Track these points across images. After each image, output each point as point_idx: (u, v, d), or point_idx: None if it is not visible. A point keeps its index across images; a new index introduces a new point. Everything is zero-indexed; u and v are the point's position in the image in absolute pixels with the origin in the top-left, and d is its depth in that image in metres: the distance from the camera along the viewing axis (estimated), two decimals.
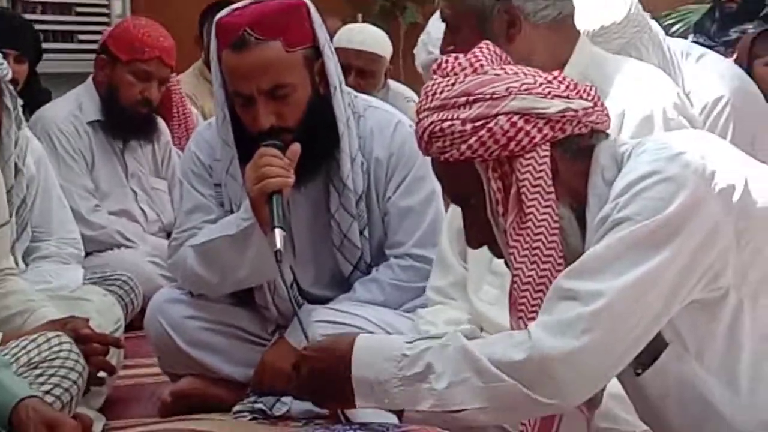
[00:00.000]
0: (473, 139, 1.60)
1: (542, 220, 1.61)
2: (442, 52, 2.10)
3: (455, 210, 2.19)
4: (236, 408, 2.56)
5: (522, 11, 2.12)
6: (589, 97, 1.65)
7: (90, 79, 3.93)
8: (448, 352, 1.59)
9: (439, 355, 1.59)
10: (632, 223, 1.53)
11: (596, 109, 1.65)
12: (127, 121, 3.84)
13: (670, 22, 6.77)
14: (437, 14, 4.10)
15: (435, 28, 3.99)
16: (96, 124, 3.85)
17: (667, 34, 3.15)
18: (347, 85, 2.65)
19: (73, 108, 3.85)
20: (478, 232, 1.69)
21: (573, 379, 1.52)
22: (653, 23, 2.99)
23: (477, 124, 1.60)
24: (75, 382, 2.09)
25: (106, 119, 3.84)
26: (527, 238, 1.61)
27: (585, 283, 1.53)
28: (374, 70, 4.39)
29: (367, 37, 4.42)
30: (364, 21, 6.06)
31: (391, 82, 4.71)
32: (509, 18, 2.12)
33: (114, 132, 3.86)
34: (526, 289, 1.62)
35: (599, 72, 2.15)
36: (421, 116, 1.66)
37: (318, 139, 2.47)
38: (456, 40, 2.14)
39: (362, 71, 4.32)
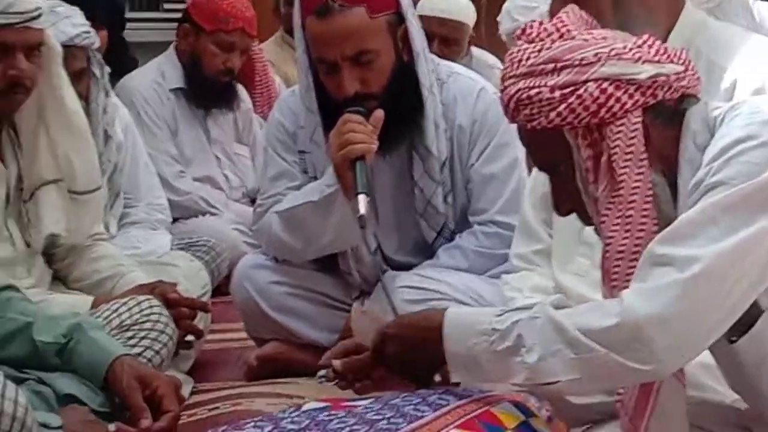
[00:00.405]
0: (562, 106, 1.57)
1: (635, 187, 1.58)
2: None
3: (537, 176, 2.17)
4: (321, 372, 2.57)
5: None
6: (681, 61, 1.61)
7: (172, 47, 3.97)
8: (538, 324, 1.57)
9: (528, 327, 1.57)
10: (727, 188, 1.49)
11: (688, 73, 1.62)
12: (209, 89, 3.88)
13: None
14: None
15: None
16: (179, 92, 3.90)
17: None
18: (430, 52, 2.63)
19: (156, 76, 3.90)
20: (567, 200, 1.67)
21: (667, 345, 1.49)
22: None
23: (566, 91, 1.57)
24: (165, 345, 2.14)
25: (188, 87, 3.88)
26: (620, 207, 1.58)
27: (679, 248, 1.50)
28: (457, 38, 4.36)
29: (451, 5, 4.38)
30: None
31: (474, 50, 4.67)
32: None
33: (197, 100, 3.90)
34: (620, 258, 1.59)
35: (706, 40, 2.09)
36: (506, 83, 1.63)
37: (402, 105, 2.47)
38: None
39: (445, 39, 4.29)
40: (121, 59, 3.85)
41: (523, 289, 2.15)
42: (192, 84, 3.88)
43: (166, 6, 4.92)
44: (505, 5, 3.88)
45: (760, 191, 1.48)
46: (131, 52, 4.20)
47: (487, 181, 2.56)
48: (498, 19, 4.14)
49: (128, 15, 4.33)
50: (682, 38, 2.07)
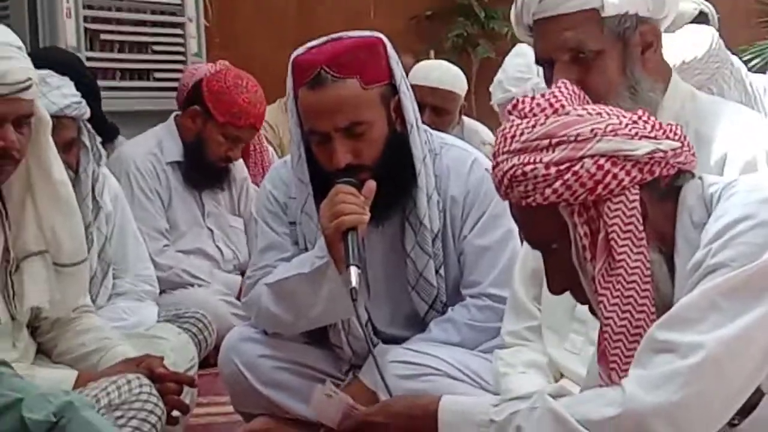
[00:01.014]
0: (558, 182, 1.55)
1: (635, 267, 1.55)
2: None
3: (527, 252, 2.15)
4: None
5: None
6: (677, 137, 1.60)
7: (172, 119, 3.96)
8: (536, 414, 1.54)
9: (527, 418, 1.55)
10: (728, 270, 1.47)
11: (684, 149, 1.60)
12: (205, 171, 3.90)
13: (747, 57, 6.67)
14: (514, 51, 4.09)
15: (511, 65, 3.97)
16: (175, 165, 3.89)
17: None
18: (422, 122, 2.63)
19: (153, 147, 3.90)
20: (561, 278, 1.64)
21: None
22: (735, 59, 2.94)
23: (562, 167, 1.55)
24: (154, 426, 2.11)
25: (186, 166, 3.88)
26: (617, 286, 1.55)
27: (681, 334, 1.47)
28: (449, 108, 4.38)
29: (443, 74, 4.41)
30: (436, 57, 6.07)
31: (466, 119, 4.69)
32: (645, 39, 2.06)
33: (192, 180, 3.90)
34: (619, 340, 1.56)
35: (694, 112, 2.09)
36: (499, 159, 1.61)
37: (394, 177, 2.45)
38: (586, 73, 2.04)
39: (437, 109, 4.31)
40: (99, 129, 3.84)
41: (516, 364, 2.12)
42: (190, 164, 3.88)
43: (157, 75, 4.93)
44: (498, 76, 3.90)
45: (761, 274, 1.46)
46: (122, 121, 4.19)
47: (480, 253, 2.53)
48: (490, 89, 4.16)
49: (119, 84, 4.34)
50: (672, 109, 2.07)
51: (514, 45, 4.15)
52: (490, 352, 2.31)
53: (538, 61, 2.14)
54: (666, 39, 2.17)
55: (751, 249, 1.47)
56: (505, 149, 1.61)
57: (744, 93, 2.89)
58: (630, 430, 1.47)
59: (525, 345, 2.19)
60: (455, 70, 4.56)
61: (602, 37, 2.03)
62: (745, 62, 6.34)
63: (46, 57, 3.57)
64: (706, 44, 2.79)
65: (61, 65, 3.68)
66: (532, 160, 1.57)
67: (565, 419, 1.51)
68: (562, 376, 2.12)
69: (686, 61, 2.74)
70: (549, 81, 2.07)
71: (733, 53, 3.07)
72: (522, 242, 2.28)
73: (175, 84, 4.59)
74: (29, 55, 3.23)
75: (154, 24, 4.95)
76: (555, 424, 1.51)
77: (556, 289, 1.67)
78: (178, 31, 5.03)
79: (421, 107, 4.10)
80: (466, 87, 4.55)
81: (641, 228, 1.56)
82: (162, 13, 4.99)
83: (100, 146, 3.12)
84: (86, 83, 3.91)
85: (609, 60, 2.03)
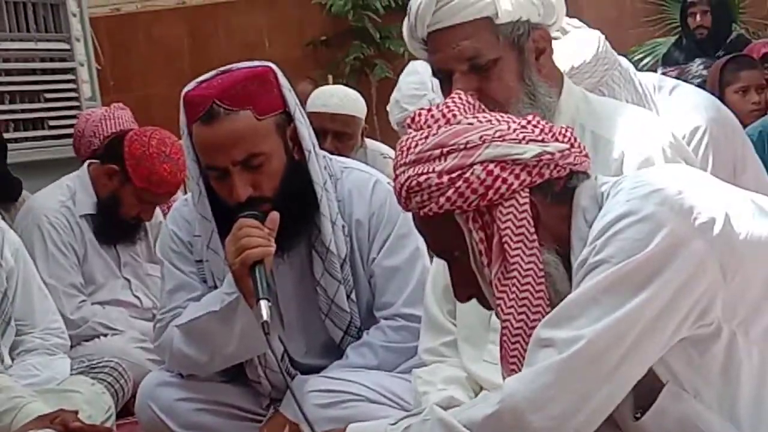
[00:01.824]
0: (451, 190, 1.58)
1: (528, 269, 1.58)
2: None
3: (438, 268, 2.16)
4: None
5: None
6: (565, 139, 1.63)
7: (85, 169, 3.88)
8: (428, 426, 1.59)
9: (419, 430, 1.59)
10: (608, 266, 1.51)
11: (573, 150, 1.63)
12: (117, 227, 3.84)
13: (639, 56, 6.82)
14: (407, 69, 4.12)
15: (405, 84, 4.00)
16: (89, 218, 3.82)
17: (636, 68, 3.15)
18: (324, 148, 2.63)
19: (66, 199, 3.81)
20: (466, 286, 1.66)
21: (547, 427, 1.48)
22: (623, 59, 2.98)
23: (453, 175, 1.58)
24: None
25: (99, 221, 3.81)
26: (513, 288, 1.58)
27: (561, 330, 1.51)
28: (351, 132, 4.38)
29: (342, 99, 4.41)
30: (334, 81, 6.09)
31: (368, 141, 4.70)
32: (537, 45, 2.09)
33: (105, 235, 3.83)
34: (517, 341, 1.60)
35: (588, 115, 2.12)
36: (398, 172, 1.65)
37: (296, 205, 2.43)
38: (485, 82, 2.06)
39: (339, 134, 4.31)
40: (6, 181, 3.76)
41: (435, 382, 2.11)
42: (103, 219, 3.81)
43: (51, 123, 4.86)
44: (393, 95, 3.92)
45: (642, 268, 1.49)
46: (18, 172, 4.11)
47: (390, 274, 2.52)
48: (387, 108, 4.18)
49: (13, 135, 4.26)
50: (567, 113, 2.10)
51: (408, 64, 4.19)
52: (409, 372, 2.29)
53: (435, 73, 2.15)
54: (554, 45, 2.20)
55: (631, 245, 1.50)
56: (402, 161, 1.64)
57: (634, 92, 2.94)
58: (509, 425, 1.50)
59: (443, 361, 2.19)
60: (353, 93, 4.57)
61: (498, 45, 2.05)
62: (638, 61, 6.50)
63: None
64: (593, 48, 2.83)
65: None
66: (425, 171, 1.60)
67: (451, 425, 1.55)
68: (482, 389, 2.12)
69: (575, 66, 2.77)
70: (447, 92, 2.07)
71: (623, 54, 3.12)
72: (432, 259, 2.29)
73: (70, 131, 4.53)
74: None
75: (44, 72, 4.88)
76: (443, 430, 1.55)
77: (461, 297, 1.70)
78: (69, 76, 4.97)
79: (323, 133, 4.13)
80: (365, 110, 4.56)
81: (532, 230, 1.59)
82: (51, 59, 4.92)
83: None
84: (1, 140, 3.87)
85: (506, 67, 2.05)
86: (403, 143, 1.65)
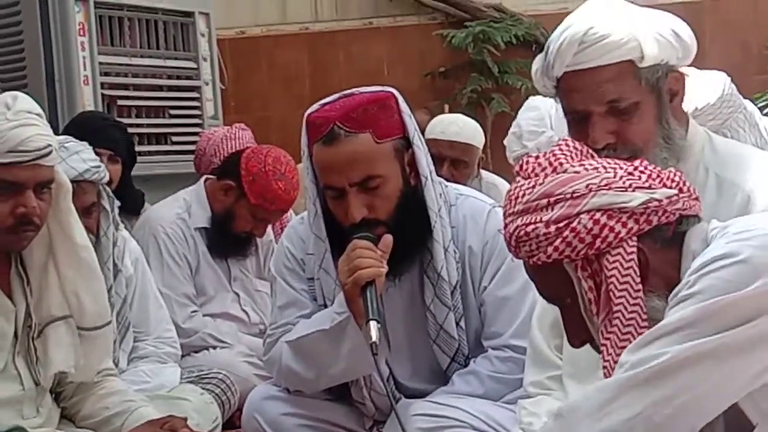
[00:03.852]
0: (558, 240, 1.59)
1: (630, 318, 1.57)
2: (594, 144, 1.98)
3: (546, 303, 2.15)
4: None
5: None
6: (674, 184, 1.62)
7: (201, 184, 3.97)
8: None
9: None
10: (696, 301, 1.48)
11: (682, 195, 1.62)
12: (230, 242, 3.89)
13: (764, 103, 6.69)
14: (526, 105, 4.11)
15: (525, 120, 4.00)
16: (202, 231, 3.89)
17: (762, 114, 3.10)
18: (441, 175, 2.63)
19: (182, 212, 3.89)
20: (578, 332, 1.67)
21: None
22: (748, 103, 2.94)
23: (560, 225, 1.60)
24: None
25: (212, 235, 3.88)
26: (614, 338, 1.58)
27: (636, 354, 1.50)
28: (468, 160, 4.40)
29: (461, 127, 4.44)
30: (450, 112, 6.10)
31: (484, 173, 4.71)
32: (673, 87, 2.07)
33: (218, 248, 3.90)
34: None
35: (713, 157, 2.09)
36: (507, 221, 1.67)
37: (410, 230, 2.45)
38: (624, 125, 2.03)
39: (456, 161, 4.33)
40: (127, 193, 3.86)
41: (540, 413, 2.10)
42: (216, 233, 3.88)
43: (174, 139, 4.98)
44: (512, 130, 3.92)
45: (728, 309, 1.46)
46: (140, 185, 4.23)
47: (501, 304, 2.52)
48: (505, 143, 4.18)
49: (137, 148, 4.36)
50: (694, 156, 2.07)
51: (527, 99, 4.19)
52: (514, 403, 2.29)
53: (566, 113, 2.11)
54: None
55: (723, 284, 1.47)
56: (511, 211, 1.66)
57: (759, 137, 2.90)
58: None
59: (548, 394, 2.18)
60: (473, 123, 4.59)
61: (640, 88, 2.02)
62: (763, 107, 6.37)
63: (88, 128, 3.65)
64: (718, 90, 2.80)
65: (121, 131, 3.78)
66: (533, 220, 1.62)
67: None
68: None
69: (699, 107, 2.75)
70: (577, 133, 2.04)
71: (746, 98, 3.08)
72: None
73: (191, 147, 4.63)
74: (80, 123, 3.31)
75: (171, 88, 4.99)
76: None
77: (574, 343, 1.70)
78: (194, 94, 5.08)
79: (440, 160, 4.15)
80: (483, 139, 4.57)
81: (638, 279, 1.58)
82: (178, 77, 5.03)
83: (117, 211, 3.14)
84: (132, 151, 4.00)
85: (646, 111, 2.03)
86: (512, 192, 1.67)
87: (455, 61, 7.34)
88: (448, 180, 2.86)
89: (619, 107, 2.02)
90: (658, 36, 2.03)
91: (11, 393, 2.33)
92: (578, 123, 2.07)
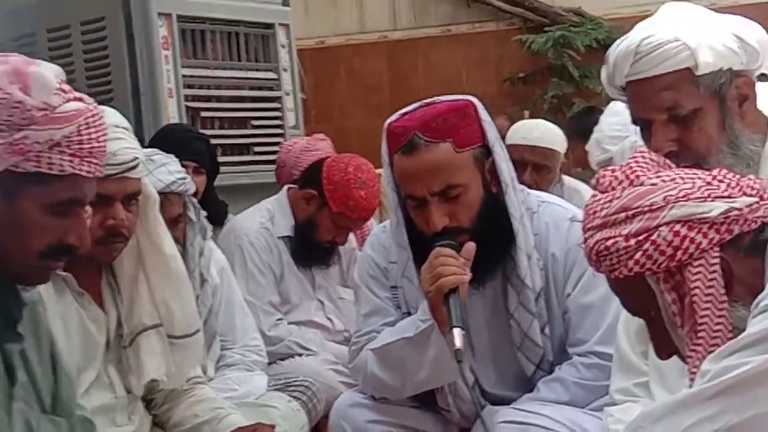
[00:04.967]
0: (639, 253, 1.58)
1: (717, 329, 1.55)
2: (657, 151, 1.99)
3: None
4: None
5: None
6: (754, 192, 1.60)
7: (284, 193, 4.02)
8: None
9: None
10: None
11: (763, 203, 1.60)
12: (313, 250, 3.93)
13: None
14: (608, 110, 4.08)
15: (607, 124, 3.96)
16: (286, 239, 3.93)
17: None
18: (523, 180, 2.63)
19: (265, 221, 3.93)
20: (665, 344, 1.65)
21: None
22: None
23: (640, 238, 1.58)
24: None
25: (296, 243, 3.92)
26: (702, 350, 1.56)
27: (716, 363, 1.47)
28: (550, 165, 4.38)
29: (543, 132, 4.42)
30: (530, 118, 6.08)
31: (566, 178, 4.68)
32: (741, 92, 2.05)
33: (301, 257, 3.94)
34: None
35: None
36: (586, 235, 1.67)
37: (493, 237, 2.46)
38: (685, 132, 2.03)
39: (538, 166, 4.32)
40: (211, 203, 3.92)
41: (626, 421, 2.08)
42: (299, 242, 3.92)
43: (256, 149, 5.03)
44: (594, 136, 3.89)
45: None
46: (222, 195, 4.29)
47: (585, 311, 2.51)
48: (587, 148, 4.16)
49: (220, 159, 4.42)
50: None
51: (609, 102, 4.16)
52: (600, 410, 2.29)
53: (634, 121, 2.13)
54: (757, 88, 2.16)
55: None
56: (590, 225, 1.66)
57: None
58: None
59: (635, 401, 2.17)
60: (554, 128, 4.57)
61: (699, 95, 2.02)
62: None
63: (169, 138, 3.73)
64: None
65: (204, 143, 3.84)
66: (612, 235, 1.61)
67: None
68: None
69: None
70: (647, 140, 2.07)
71: None
72: None
73: (273, 157, 4.68)
74: (166, 135, 3.37)
75: (252, 99, 5.04)
76: None
77: (662, 355, 1.69)
78: (275, 105, 5.12)
79: (522, 165, 4.14)
80: (565, 144, 4.55)
81: (723, 290, 1.56)
82: (260, 88, 5.08)
83: (204, 220, 3.19)
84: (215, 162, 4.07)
85: (707, 117, 2.03)
86: (589, 207, 1.67)
87: (535, 67, 7.32)
88: (530, 186, 2.86)
89: (678, 115, 2.03)
90: (715, 43, 2.02)
91: (104, 401, 2.38)
92: (644, 129, 2.09)
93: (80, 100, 1.74)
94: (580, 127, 5.33)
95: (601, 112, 5.59)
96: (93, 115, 1.74)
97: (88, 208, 1.81)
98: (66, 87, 1.73)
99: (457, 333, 2.28)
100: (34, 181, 1.70)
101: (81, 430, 1.93)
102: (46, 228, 1.72)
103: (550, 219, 2.56)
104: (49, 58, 4.67)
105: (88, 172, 1.73)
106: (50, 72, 1.72)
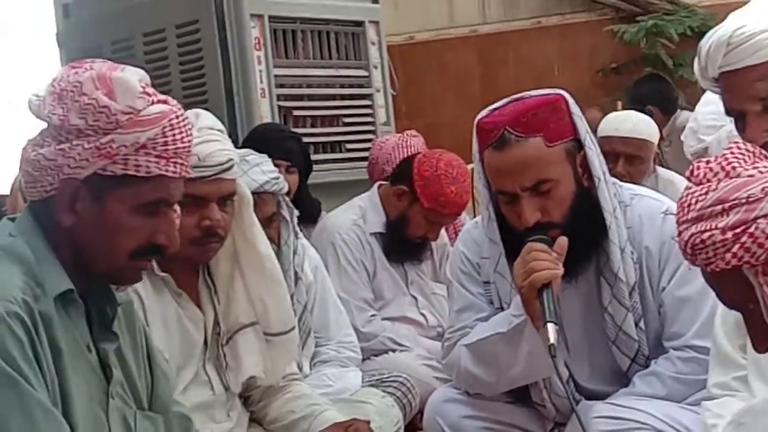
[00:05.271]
0: (736, 246, 1.55)
1: None
2: (753, 141, 1.97)
3: None
4: None
5: None
6: None
7: (375, 190, 4.05)
8: None
9: None
10: None
11: None
12: (405, 246, 3.95)
13: None
14: (703, 99, 4.01)
15: (702, 114, 3.90)
16: (378, 236, 3.96)
17: None
18: (616, 172, 2.61)
19: (357, 218, 3.97)
20: (763, 337, 1.62)
21: None
22: None
23: (737, 230, 1.55)
24: None
25: (387, 240, 3.95)
26: None
27: None
28: (643, 156, 4.32)
29: (635, 124, 4.36)
30: (623, 109, 6.01)
31: (660, 169, 4.61)
32: None
33: (393, 253, 3.96)
34: None
35: None
36: (680, 229, 1.64)
37: (585, 231, 2.44)
38: None
39: (631, 157, 4.26)
40: (304, 201, 3.97)
41: (725, 415, 2.06)
42: (391, 238, 3.95)
43: (348, 146, 5.06)
44: (690, 125, 3.83)
45: None
46: (315, 193, 4.33)
47: (681, 304, 2.48)
48: (682, 138, 4.09)
49: (313, 158, 4.45)
50: None
51: (704, 92, 4.09)
52: (697, 405, 2.25)
53: (727, 112, 2.11)
54: None
55: None
56: (684, 218, 1.63)
57: None
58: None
59: (733, 395, 2.13)
60: (646, 118, 4.50)
61: None
62: None
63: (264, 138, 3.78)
64: None
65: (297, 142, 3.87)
66: (708, 228, 1.58)
67: None
68: None
69: None
70: (740, 130, 2.04)
71: None
72: None
73: (365, 154, 4.71)
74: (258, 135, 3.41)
75: (343, 97, 5.08)
76: None
77: (761, 348, 1.66)
78: (366, 102, 5.14)
79: (614, 157, 4.09)
80: (658, 135, 4.49)
81: None
82: (351, 86, 5.12)
83: (296, 220, 3.23)
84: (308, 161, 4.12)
85: None
86: (684, 199, 1.64)
87: (627, 57, 7.21)
88: (622, 177, 2.83)
89: None
90: None
91: (203, 398, 2.43)
92: (738, 121, 2.07)
93: (164, 102, 1.78)
94: (638, 96, 5.24)
95: (664, 80, 5.49)
96: (177, 117, 1.77)
97: (177, 208, 1.84)
98: (150, 90, 1.77)
99: (551, 328, 2.27)
100: (122, 184, 1.74)
101: (178, 426, 1.97)
102: (136, 229, 1.76)
103: (643, 212, 2.53)
104: (144, 62, 4.81)
105: (174, 172, 1.76)
106: (134, 76, 1.76)
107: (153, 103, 1.75)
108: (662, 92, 5.87)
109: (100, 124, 1.71)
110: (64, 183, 1.73)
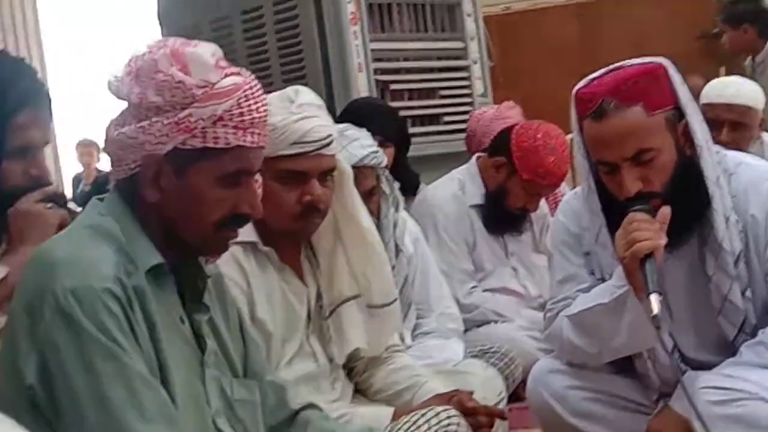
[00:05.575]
0: None
1: None
2: None
3: None
4: None
5: None
6: None
7: (474, 162, 4.04)
8: None
9: None
10: None
11: None
12: (505, 218, 3.96)
13: None
14: None
15: None
16: (477, 208, 3.97)
17: None
18: (720, 140, 2.56)
19: (456, 190, 3.99)
20: None
21: None
22: None
23: None
24: None
25: (487, 211, 3.95)
26: None
27: None
28: (748, 123, 4.23)
29: (739, 89, 4.27)
30: (727, 75, 5.88)
31: (765, 135, 4.51)
32: None
33: (493, 224, 3.96)
34: None
35: None
36: None
37: (688, 200, 2.41)
38: None
39: (736, 124, 4.18)
40: (403, 174, 3.99)
41: None
42: (490, 209, 3.95)
43: (446, 119, 5.06)
44: None
45: None
46: (414, 166, 4.34)
47: None
48: None
49: (411, 131, 4.47)
50: None
51: None
52: None
53: None
54: None
55: None
56: None
57: None
58: None
59: None
60: (751, 84, 4.40)
61: None
62: None
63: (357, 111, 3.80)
64: None
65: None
66: None
67: None
68: None
69: None
70: None
71: None
72: None
73: (462, 126, 4.71)
74: (353, 110, 3.43)
75: (440, 70, 5.08)
76: None
77: None
78: (463, 74, 5.13)
79: (719, 125, 4.02)
80: (764, 101, 4.38)
81: None
82: (447, 58, 5.11)
83: (398, 192, 3.24)
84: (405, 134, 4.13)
85: None
86: None
87: None
88: (727, 145, 2.78)
89: None
90: None
91: (307, 370, 2.47)
92: None
93: (238, 74, 1.80)
94: (734, 14, 5.07)
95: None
96: (251, 87, 1.80)
97: (258, 177, 1.87)
98: (223, 63, 1.80)
99: (654, 298, 2.25)
100: (202, 157, 1.77)
101: (272, 393, 2.02)
102: (219, 200, 1.80)
103: (748, 180, 2.48)
104: (243, 40, 4.87)
105: (252, 142, 1.79)
106: (207, 50, 1.79)
107: (227, 75, 1.78)
108: (760, 12, 5.67)
109: (177, 99, 1.74)
110: (147, 160, 1.77)
